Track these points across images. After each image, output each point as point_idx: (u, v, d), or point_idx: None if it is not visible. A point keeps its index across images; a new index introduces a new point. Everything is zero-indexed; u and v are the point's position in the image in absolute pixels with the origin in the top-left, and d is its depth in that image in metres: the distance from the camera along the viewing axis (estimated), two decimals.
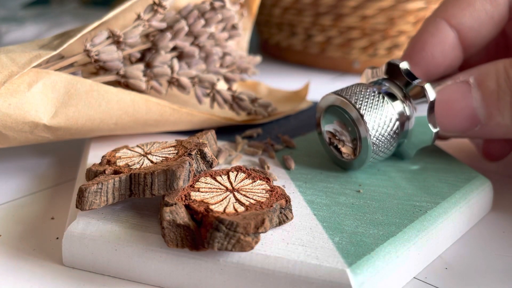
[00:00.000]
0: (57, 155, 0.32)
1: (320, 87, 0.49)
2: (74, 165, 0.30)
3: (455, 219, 0.22)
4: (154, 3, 0.28)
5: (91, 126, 0.27)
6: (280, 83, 0.46)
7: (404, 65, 0.24)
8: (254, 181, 0.22)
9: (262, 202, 0.20)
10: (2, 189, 0.27)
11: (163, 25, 0.29)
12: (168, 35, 0.29)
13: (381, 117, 0.24)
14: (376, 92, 0.24)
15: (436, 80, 0.26)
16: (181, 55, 0.30)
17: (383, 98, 0.24)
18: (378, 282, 0.18)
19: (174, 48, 0.30)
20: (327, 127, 0.25)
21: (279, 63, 0.59)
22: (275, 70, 0.56)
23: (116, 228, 0.20)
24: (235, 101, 0.31)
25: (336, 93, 0.24)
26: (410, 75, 0.24)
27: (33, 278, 0.20)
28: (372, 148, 0.23)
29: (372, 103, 0.24)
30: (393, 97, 0.24)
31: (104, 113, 0.26)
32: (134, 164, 0.22)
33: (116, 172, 0.21)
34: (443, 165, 0.26)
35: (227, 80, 0.32)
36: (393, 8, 0.49)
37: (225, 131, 0.31)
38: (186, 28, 0.29)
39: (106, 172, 0.21)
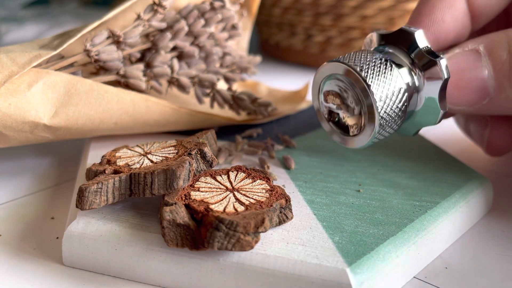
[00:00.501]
0: (57, 155, 0.32)
1: None
2: (74, 165, 0.30)
3: (455, 219, 0.22)
4: (154, 3, 0.28)
5: (91, 126, 0.27)
6: (280, 83, 0.46)
7: (419, 34, 0.22)
8: (254, 181, 0.22)
9: (262, 202, 0.20)
10: (2, 189, 0.27)
11: (163, 25, 0.29)
12: (168, 35, 0.29)
13: (389, 87, 0.21)
14: (382, 58, 0.22)
15: (444, 50, 0.25)
16: (181, 55, 0.30)
17: (391, 65, 0.22)
18: (378, 281, 0.18)
19: (174, 48, 0.30)
20: (327, 86, 0.23)
21: (279, 63, 0.59)
22: (275, 70, 0.56)
23: (116, 227, 0.20)
24: (235, 101, 0.31)
25: (336, 60, 0.22)
26: (430, 52, 0.22)
27: (33, 277, 0.20)
28: (380, 122, 0.21)
29: (378, 71, 0.21)
30: (400, 66, 0.22)
31: (104, 113, 0.26)
32: (134, 164, 0.22)
33: (116, 172, 0.21)
34: (443, 165, 0.26)
35: (227, 80, 0.32)
36: (393, 8, 0.50)
37: (225, 130, 0.31)
38: (186, 28, 0.29)
39: (106, 171, 0.21)
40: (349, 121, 0.23)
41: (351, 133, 0.23)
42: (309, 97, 0.42)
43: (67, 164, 0.30)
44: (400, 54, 0.22)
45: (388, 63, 0.22)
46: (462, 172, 0.25)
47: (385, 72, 0.22)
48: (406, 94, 0.22)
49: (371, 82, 0.21)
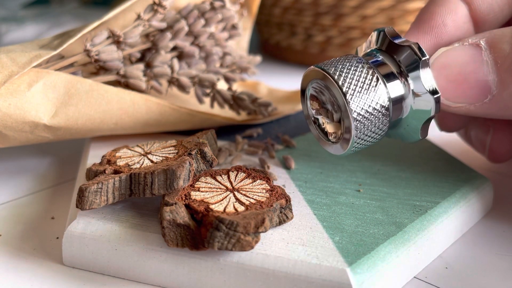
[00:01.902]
0: (57, 155, 0.32)
1: None
2: (74, 164, 0.30)
3: (455, 219, 0.22)
4: (154, 3, 0.28)
5: (91, 126, 0.27)
6: (280, 83, 0.46)
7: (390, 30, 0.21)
8: (254, 181, 0.22)
9: (262, 202, 0.20)
10: (2, 188, 0.27)
11: (163, 25, 0.29)
12: (168, 35, 0.29)
13: (370, 102, 0.20)
14: (366, 67, 0.21)
15: None
16: (181, 55, 0.30)
17: (376, 77, 0.21)
18: (378, 281, 0.18)
19: (174, 48, 0.30)
20: (312, 91, 0.22)
21: (279, 63, 0.59)
22: (275, 70, 0.56)
23: (116, 227, 0.20)
24: (235, 101, 0.31)
25: (319, 66, 0.21)
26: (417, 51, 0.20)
27: (33, 277, 0.20)
28: (355, 138, 0.21)
29: (359, 81, 0.20)
30: (387, 76, 0.21)
31: (104, 113, 0.26)
32: (134, 164, 0.22)
33: (116, 172, 0.21)
34: (443, 165, 0.26)
35: (227, 80, 0.32)
36: (393, 8, 0.50)
37: (225, 130, 0.31)
38: (186, 28, 0.29)
39: (106, 171, 0.21)
40: (328, 128, 0.22)
41: (331, 140, 0.22)
42: None
43: (67, 164, 0.30)
44: (389, 61, 0.21)
45: (372, 74, 0.21)
46: (462, 172, 0.25)
47: (368, 85, 0.20)
48: (389, 106, 0.21)
49: (351, 98, 0.20)
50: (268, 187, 0.21)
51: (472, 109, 0.22)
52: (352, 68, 0.21)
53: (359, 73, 0.21)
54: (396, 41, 0.21)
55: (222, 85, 0.36)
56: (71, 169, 0.30)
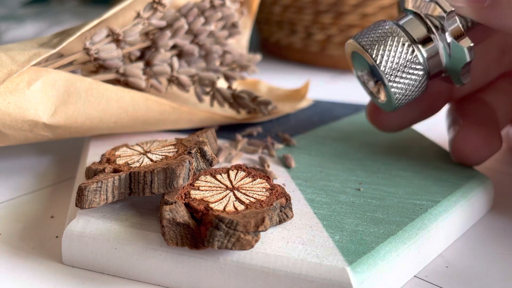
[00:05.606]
0: (57, 154, 0.32)
1: (320, 86, 0.49)
2: (74, 163, 0.30)
3: (456, 218, 0.22)
4: (154, 1, 0.28)
5: (91, 125, 0.27)
6: (280, 82, 0.46)
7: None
8: (254, 180, 0.22)
9: (262, 201, 0.20)
10: (2, 187, 0.27)
11: (163, 23, 0.29)
12: (168, 33, 0.29)
13: (403, 64, 0.23)
14: (397, 33, 0.23)
15: None
16: (180, 53, 0.30)
17: (403, 37, 0.23)
18: (379, 280, 0.18)
19: (174, 46, 0.30)
20: (358, 71, 0.25)
21: (279, 61, 0.59)
22: (275, 69, 0.56)
23: (116, 226, 0.20)
24: (235, 100, 0.31)
25: (356, 39, 0.24)
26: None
27: (32, 276, 0.20)
28: (395, 96, 0.24)
29: (391, 49, 0.23)
30: (421, 38, 0.23)
31: (104, 111, 0.26)
32: (133, 163, 0.22)
33: (115, 171, 0.21)
34: (443, 164, 0.26)
35: (227, 78, 0.32)
36: (394, 6, 0.49)
37: (225, 129, 0.31)
38: (186, 26, 0.29)
39: (106, 170, 0.21)
40: (374, 91, 0.25)
41: (380, 101, 0.25)
42: (309, 95, 0.42)
43: (66, 163, 0.30)
44: (420, 20, 0.23)
45: (403, 39, 0.23)
46: (462, 171, 0.25)
47: (397, 49, 0.23)
48: (424, 63, 0.23)
49: (383, 64, 0.23)
50: (268, 186, 0.21)
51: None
52: (384, 36, 0.23)
53: (391, 41, 0.23)
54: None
55: (222, 84, 0.35)
56: (71, 168, 0.30)
